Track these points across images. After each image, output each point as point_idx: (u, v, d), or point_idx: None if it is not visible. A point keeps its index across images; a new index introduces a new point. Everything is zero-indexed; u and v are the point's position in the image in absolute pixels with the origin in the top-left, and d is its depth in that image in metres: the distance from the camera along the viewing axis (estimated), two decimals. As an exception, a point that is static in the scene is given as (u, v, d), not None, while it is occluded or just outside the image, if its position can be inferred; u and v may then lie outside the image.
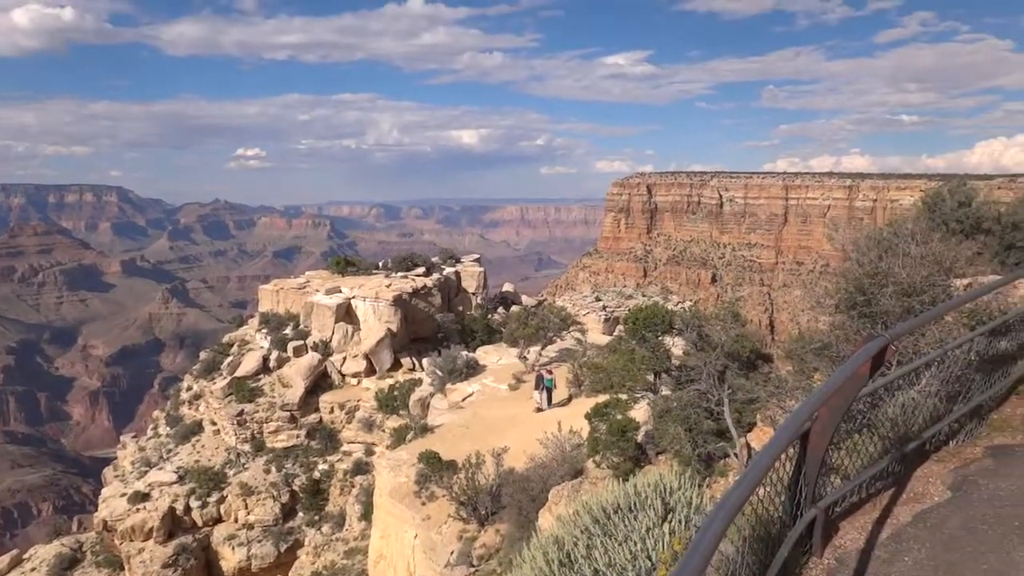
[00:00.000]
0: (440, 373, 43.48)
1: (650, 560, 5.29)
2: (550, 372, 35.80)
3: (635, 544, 5.45)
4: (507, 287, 72.78)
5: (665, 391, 23.28)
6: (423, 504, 27.96)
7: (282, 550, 46.99)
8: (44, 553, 51.53)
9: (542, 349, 44.20)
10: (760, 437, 15.89)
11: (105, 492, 51.82)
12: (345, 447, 51.45)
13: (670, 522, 5.64)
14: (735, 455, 18.28)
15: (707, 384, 20.13)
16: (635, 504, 5.84)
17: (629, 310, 45.46)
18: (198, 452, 52.65)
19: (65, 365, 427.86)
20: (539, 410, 34.22)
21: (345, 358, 54.27)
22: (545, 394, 34.81)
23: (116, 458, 60.32)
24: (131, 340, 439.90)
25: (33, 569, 49.97)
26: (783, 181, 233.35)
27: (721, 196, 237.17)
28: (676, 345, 25.55)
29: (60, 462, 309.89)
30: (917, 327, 7.02)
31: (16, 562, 51.21)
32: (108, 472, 58.26)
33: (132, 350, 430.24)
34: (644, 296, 72.20)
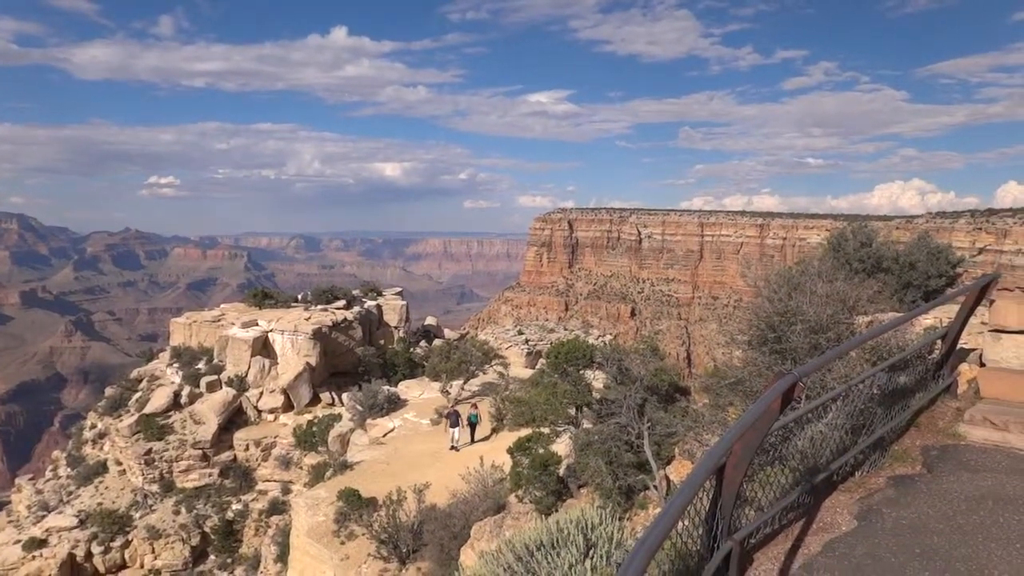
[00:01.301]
0: (360, 408, 42.79)
1: (573, 597, 5.33)
2: (475, 407, 35.57)
3: (558, 581, 5.49)
4: (430, 320, 72.45)
5: (587, 424, 23.53)
6: (342, 543, 27.29)
7: (191, 596, 44.93)
8: (-76, 608, 47.76)
9: (465, 383, 44.08)
10: (679, 469, 16.21)
11: (-4, 539, 48.56)
12: (260, 486, 49.79)
13: (592, 558, 5.71)
14: (655, 487, 18.57)
15: (627, 417, 20.45)
16: (557, 541, 5.88)
17: (551, 344, 45.94)
18: (101, 494, 49.99)
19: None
20: (453, 448, 33.81)
21: (262, 393, 52.77)
22: (468, 430, 34.57)
23: (10, 502, 56.66)
24: (30, 375, 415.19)
25: (-89, 625, 46.22)
26: (699, 218, 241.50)
27: (640, 232, 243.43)
28: (597, 378, 25.90)
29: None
30: (824, 364, 7.37)
31: None
32: (1, 517, 54.62)
33: (30, 386, 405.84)
34: (566, 330, 73.07)
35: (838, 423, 7.40)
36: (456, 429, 34.31)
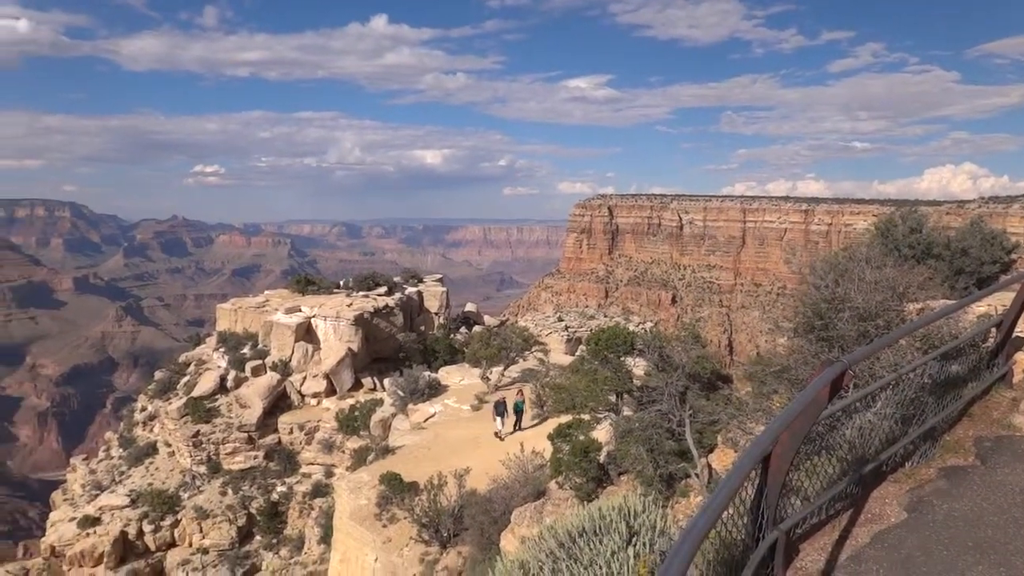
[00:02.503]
0: (402, 393, 43.20)
1: (615, 583, 5.31)
2: (520, 394, 35.12)
3: (600, 568, 5.47)
4: (470, 307, 72.73)
5: (627, 412, 23.42)
6: (384, 526, 27.62)
7: (238, 575, 45.96)
8: (-13, 581, 49.76)
9: (504, 369, 44.20)
10: (721, 458, 16.06)
11: (53, 516, 50.31)
12: (304, 469, 50.68)
13: (634, 545, 5.68)
14: (696, 476, 18.43)
15: (668, 405, 20.29)
16: (600, 528, 5.86)
17: (591, 331, 45.79)
18: (152, 474, 51.40)
19: (12, 385, 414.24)
20: (503, 436, 33.29)
21: (305, 378, 53.60)
22: (514, 417, 34.10)
23: (65, 481, 58.60)
24: (83, 359, 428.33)
25: (-25, 597, 48.23)
26: (741, 204, 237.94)
27: (681, 218, 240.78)
28: (638, 366, 25.73)
29: (6, 485, 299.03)
30: (873, 352, 7.21)
31: (-44, 590, 49.32)
32: (57, 496, 56.54)
33: (84, 369, 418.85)
34: (606, 316, 72.79)
35: (887, 412, 7.24)
36: (500, 418, 34.02)
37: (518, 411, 34.09)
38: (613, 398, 24.47)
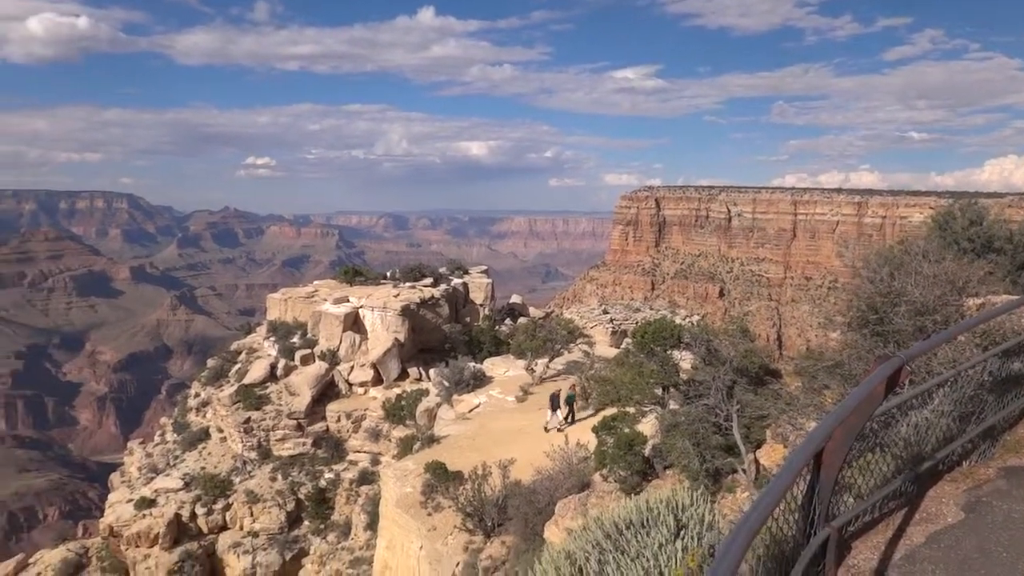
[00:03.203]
0: (447, 384, 43.51)
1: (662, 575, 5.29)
2: (573, 387, 34.44)
3: (647, 561, 5.44)
4: (515, 298, 72.83)
5: (673, 405, 23.23)
6: (429, 515, 27.90)
7: (287, 558, 46.93)
8: (49, 558, 51.59)
9: (549, 361, 44.19)
10: (770, 454, 15.83)
11: (111, 497, 51.94)
12: (351, 456, 51.45)
13: (683, 539, 5.64)
14: (743, 471, 18.22)
15: (715, 399, 20.08)
16: (647, 520, 5.84)
17: (637, 323, 45.44)
18: (204, 459, 52.73)
19: (73, 370, 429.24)
20: (551, 429, 32.76)
21: (352, 367, 54.35)
22: (567, 409, 33.62)
23: (123, 464, 60.42)
24: (139, 346, 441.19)
25: (39, 573, 50.04)
26: (792, 196, 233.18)
27: (729, 210, 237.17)
28: (684, 359, 25.49)
29: (66, 467, 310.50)
30: (931, 348, 7.02)
31: (21, 567, 51.26)
32: (115, 478, 58.36)
33: (140, 356, 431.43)
34: (652, 309, 72.15)
35: (944, 410, 7.05)
36: (551, 410, 33.67)
37: (570, 403, 33.59)
38: (659, 391, 24.30)
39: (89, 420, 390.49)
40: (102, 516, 51.37)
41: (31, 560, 52.22)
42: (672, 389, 23.85)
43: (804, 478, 5.31)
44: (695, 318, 67.33)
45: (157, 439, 60.28)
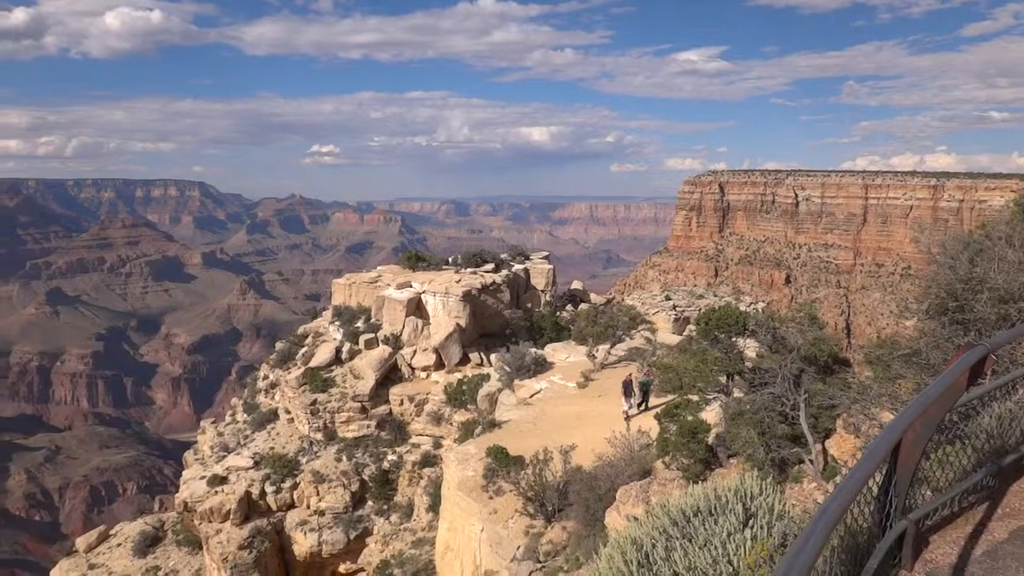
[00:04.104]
0: (508, 369, 43.70)
1: (731, 566, 5.21)
2: (648, 372, 33.62)
3: (715, 549, 5.37)
4: (576, 285, 72.56)
5: (737, 393, 22.85)
6: (490, 498, 28.16)
7: (352, 537, 48.03)
8: (129, 530, 54.06)
9: (611, 348, 43.95)
10: (839, 444, 15.43)
11: (186, 474, 53.90)
12: (414, 439, 52.20)
13: (752, 528, 5.55)
14: (810, 461, 17.82)
15: (782, 388, 19.67)
16: (715, 508, 5.76)
17: (700, 310, 44.80)
18: (273, 439, 54.24)
19: (149, 352, 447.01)
20: (631, 416, 32.28)
21: (415, 352, 55.04)
22: (640, 396, 33.03)
23: (196, 442, 62.61)
24: (210, 329, 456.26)
25: (119, 544, 52.50)
26: (863, 180, 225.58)
27: (797, 195, 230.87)
28: (749, 347, 25.02)
29: (144, 444, 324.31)
30: (1018, 337, 6.70)
31: (103, 537, 53.86)
32: (189, 455, 60.52)
33: (211, 339, 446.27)
34: (715, 296, 70.99)
35: (1031, 402, 6.74)
36: (625, 397, 33.17)
37: (645, 390, 33.02)
38: (723, 379, 23.92)
39: (164, 400, 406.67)
40: (177, 492, 53.33)
41: (112, 531, 54.83)
42: (736, 377, 23.45)
43: (880, 469, 5.15)
44: (760, 305, 65.97)
45: (228, 419, 62.21)
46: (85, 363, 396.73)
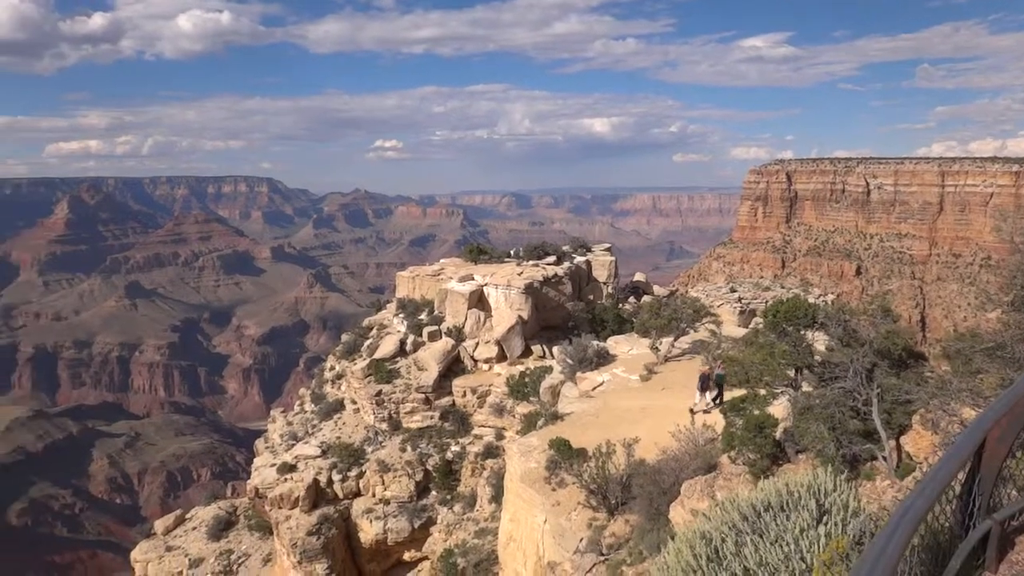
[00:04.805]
0: (571, 361, 43.58)
1: (804, 562, 5.09)
2: (721, 366, 31.88)
3: (788, 545, 5.25)
4: (638, 277, 71.86)
5: (806, 388, 22.31)
6: (553, 490, 28.17)
7: (416, 526, 48.76)
8: (203, 514, 56.10)
9: (675, 340, 43.41)
10: (916, 440, 14.92)
11: (257, 462, 55.51)
12: (476, 430, 52.60)
13: (826, 524, 5.40)
14: (884, 458, 17.30)
15: (853, 382, 19.13)
16: (787, 503, 5.63)
17: (767, 302, 43.81)
18: (340, 429, 55.38)
19: (221, 343, 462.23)
20: (697, 411, 31.42)
21: (477, 344, 55.40)
22: (715, 391, 31.90)
23: (266, 431, 64.31)
24: (279, 321, 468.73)
25: (194, 528, 54.57)
26: (939, 167, 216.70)
27: (868, 183, 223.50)
28: (818, 340, 24.38)
29: (217, 432, 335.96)
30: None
31: (180, 520, 56.06)
32: (259, 443, 62.26)
33: (280, 331, 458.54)
34: (783, 288, 69.42)
35: None
36: (699, 391, 32.15)
37: (719, 384, 32.00)
38: (791, 373, 23.38)
39: (236, 389, 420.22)
40: (248, 478, 54.98)
41: (188, 515, 57.01)
42: (805, 371, 22.88)
43: (963, 467, 4.96)
44: (829, 297, 64.20)
45: (296, 409, 63.77)
46: (162, 354, 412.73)
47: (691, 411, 31.54)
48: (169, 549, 52.39)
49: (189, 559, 50.84)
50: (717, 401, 31.70)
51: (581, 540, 25.50)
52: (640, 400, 36.37)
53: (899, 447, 17.58)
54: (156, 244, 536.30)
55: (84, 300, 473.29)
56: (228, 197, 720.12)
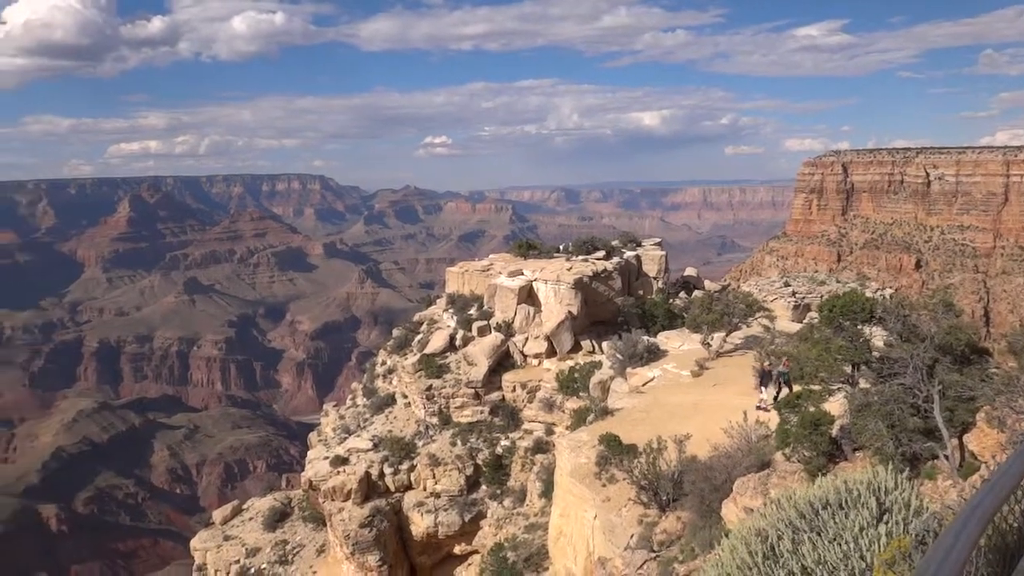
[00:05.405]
0: (620, 357, 43.34)
1: (864, 561, 4.97)
2: (786, 363, 30.87)
3: (847, 544, 5.14)
4: (689, 271, 71.01)
5: (864, 384, 21.79)
6: (603, 486, 28.09)
7: (466, 520, 49.09)
8: (260, 505, 57.45)
9: (727, 335, 42.82)
10: (980, 439, 14.46)
11: (310, 454, 56.54)
12: (526, 425, 52.68)
13: (886, 523, 5.27)
14: (945, 457, 16.82)
15: (913, 378, 18.62)
16: (846, 501, 5.51)
17: (823, 297, 42.90)
18: (391, 422, 56.06)
19: (276, 338, 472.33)
20: (762, 408, 30.66)
21: (527, 339, 55.45)
22: (779, 388, 30.92)
23: (319, 424, 65.52)
24: (331, 317, 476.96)
25: (251, 518, 55.92)
26: (1004, 156, 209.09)
27: (928, 174, 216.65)
28: (876, 335, 23.77)
29: (272, 425, 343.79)
30: None
31: (237, 511, 57.53)
32: (313, 436, 63.44)
33: (332, 326, 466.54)
34: (839, 282, 67.79)
35: None
36: (762, 387, 31.67)
37: (785, 381, 30.83)
38: (848, 369, 22.85)
39: (290, 383, 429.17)
40: (302, 471, 56.06)
41: (244, 506, 58.44)
42: (863, 367, 22.34)
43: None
44: (888, 291, 62.50)
45: (349, 403, 64.72)
46: (219, 348, 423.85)
47: (758, 408, 30.80)
48: (227, 538, 53.81)
49: (246, 548, 52.12)
50: (776, 399, 30.93)
51: (632, 536, 25.38)
52: (691, 396, 36.01)
53: (962, 446, 17.07)
54: (213, 241, 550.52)
55: (145, 296, 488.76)
56: (282, 195, 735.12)
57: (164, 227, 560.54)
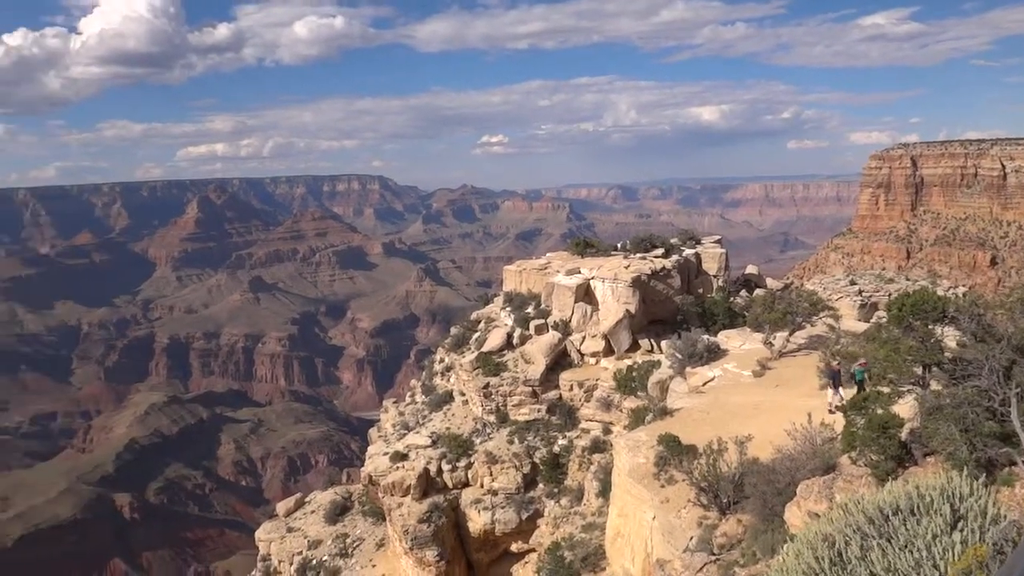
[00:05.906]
0: (680, 356, 42.77)
1: (937, 570, 4.78)
2: (863, 363, 29.20)
3: (919, 551, 4.95)
4: (750, 269, 69.66)
5: (935, 386, 21.04)
6: (662, 487, 27.77)
7: (523, 518, 49.16)
8: (321, 499, 58.71)
9: (790, 335, 41.85)
10: (1061, 445, 13.81)
11: (370, 450, 57.41)
12: (583, 424, 52.46)
13: (961, 531, 5.06)
14: (1023, 463, 16.13)
15: (989, 381, 17.92)
16: (918, 508, 5.31)
17: (891, 295, 41.57)
18: (449, 420, 56.55)
19: (337, 335, 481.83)
20: (832, 410, 29.51)
21: (584, 338, 55.21)
22: (855, 390, 30.12)
23: (379, 420, 66.49)
24: (391, 315, 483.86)
25: (313, 511, 57.22)
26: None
27: (1004, 166, 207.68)
28: (948, 336, 22.93)
29: (333, 420, 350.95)
30: None
31: (299, 504, 58.92)
32: (373, 432, 64.42)
33: (391, 323, 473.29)
34: (908, 280, 65.62)
35: None
36: (832, 389, 30.49)
37: (859, 381, 29.28)
38: (918, 370, 22.08)
39: (350, 380, 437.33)
40: (362, 466, 56.98)
41: (307, 499, 59.82)
42: (934, 368, 21.56)
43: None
44: (960, 290, 60.22)
45: (408, 399, 65.53)
46: (282, 345, 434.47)
47: (830, 411, 29.83)
48: (290, 530, 55.16)
49: (308, 540, 53.32)
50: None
51: (691, 538, 25.03)
52: (753, 396, 35.32)
53: (1042, 451, 16.34)
54: (276, 241, 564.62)
55: (212, 294, 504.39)
56: (342, 195, 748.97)
57: (230, 227, 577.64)
